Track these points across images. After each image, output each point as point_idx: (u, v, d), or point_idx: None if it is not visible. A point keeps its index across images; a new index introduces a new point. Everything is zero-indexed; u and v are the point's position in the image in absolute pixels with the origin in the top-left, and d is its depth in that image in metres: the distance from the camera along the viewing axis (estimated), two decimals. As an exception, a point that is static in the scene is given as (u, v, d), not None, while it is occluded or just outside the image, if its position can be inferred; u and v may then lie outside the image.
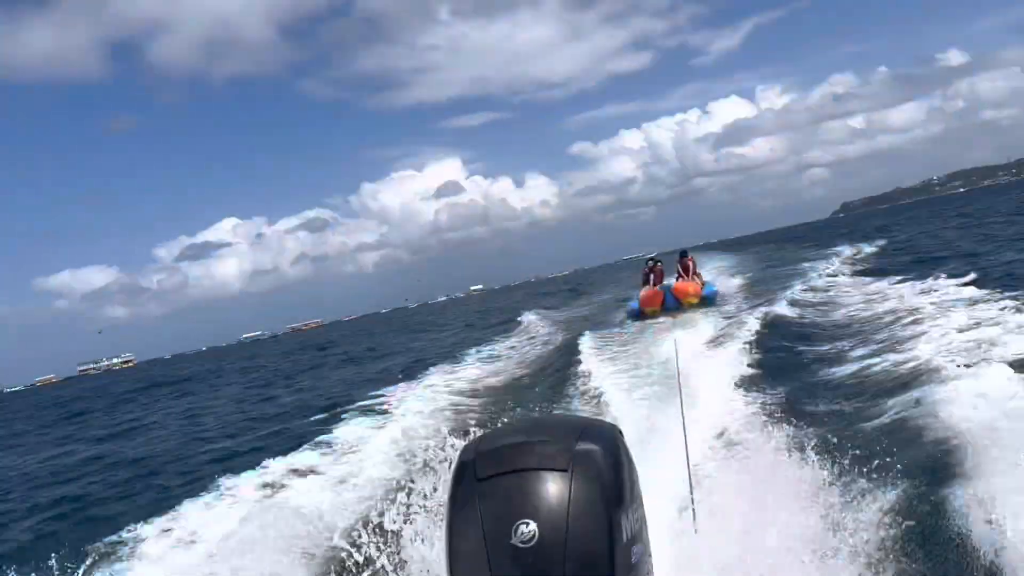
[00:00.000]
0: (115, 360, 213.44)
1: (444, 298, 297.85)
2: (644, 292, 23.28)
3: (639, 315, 22.29)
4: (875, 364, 10.14)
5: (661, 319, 20.89)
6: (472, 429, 8.84)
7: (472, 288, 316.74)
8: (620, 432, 2.35)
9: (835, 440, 6.61)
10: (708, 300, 22.54)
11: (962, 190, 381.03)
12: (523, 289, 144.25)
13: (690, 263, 24.38)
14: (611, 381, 12.12)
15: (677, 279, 23.72)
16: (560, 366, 15.91)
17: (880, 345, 11.35)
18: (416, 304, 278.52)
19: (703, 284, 23.71)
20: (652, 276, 24.31)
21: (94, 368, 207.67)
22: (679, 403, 4.88)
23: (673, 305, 21.99)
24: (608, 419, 7.30)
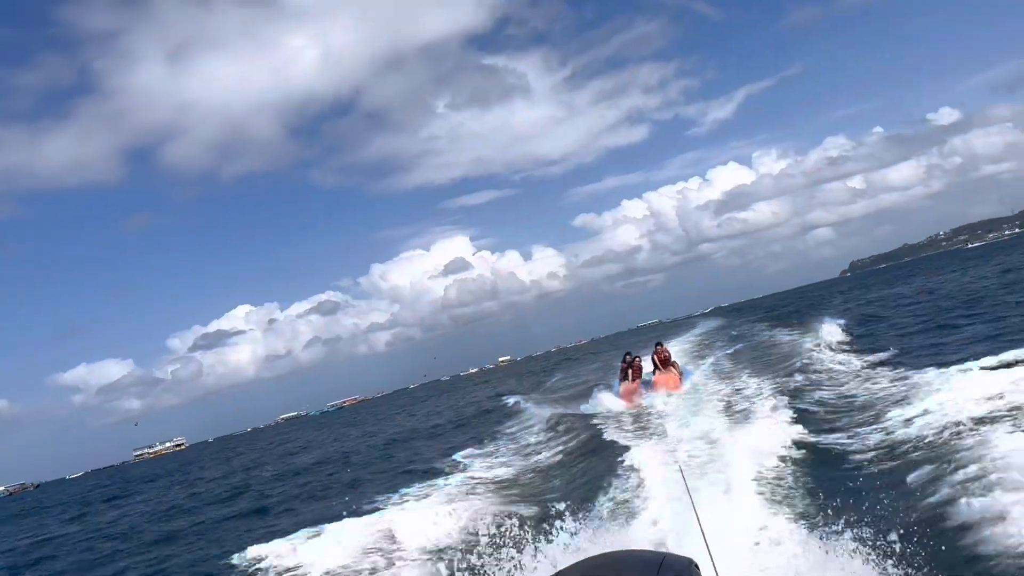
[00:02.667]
0: (168, 444, 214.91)
1: (475, 369, 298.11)
2: (624, 387, 22.84)
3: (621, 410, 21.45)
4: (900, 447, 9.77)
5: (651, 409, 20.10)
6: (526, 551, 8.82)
7: (500, 360, 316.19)
8: (697, 567, 2.14)
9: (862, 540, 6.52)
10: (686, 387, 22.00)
11: (970, 245, 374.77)
12: (547, 359, 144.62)
13: (667, 354, 23.67)
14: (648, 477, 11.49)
15: (654, 371, 23.01)
16: (573, 459, 16.16)
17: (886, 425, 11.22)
18: (448, 377, 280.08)
19: (680, 374, 23.15)
20: (631, 371, 23.63)
21: (149, 452, 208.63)
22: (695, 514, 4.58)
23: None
24: (681, 551, 7.44)
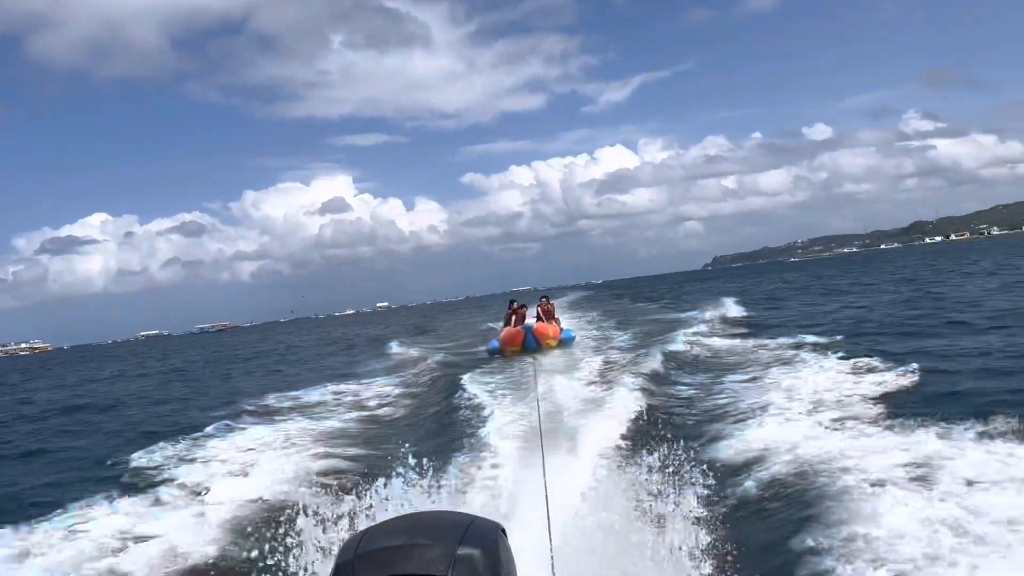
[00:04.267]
0: (23, 344, 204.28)
1: (352, 311, 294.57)
2: (506, 332, 22.71)
3: (500, 353, 21.63)
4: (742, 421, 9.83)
5: (526, 359, 19.67)
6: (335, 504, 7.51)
7: (379, 305, 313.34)
8: (503, 532, 2.11)
9: (698, 512, 6.43)
10: (566, 343, 22.38)
11: (791, 259, 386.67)
12: (424, 310, 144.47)
13: (551, 307, 23.93)
14: (484, 426, 11.15)
15: (537, 321, 22.86)
16: (438, 404, 15.23)
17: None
18: (325, 315, 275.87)
19: (562, 329, 23.42)
20: (514, 317, 23.27)
21: (2, 351, 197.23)
22: (541, 460, 4.34)
23: (533, 346, 21.38)
24: (489, 502, 6.96)
